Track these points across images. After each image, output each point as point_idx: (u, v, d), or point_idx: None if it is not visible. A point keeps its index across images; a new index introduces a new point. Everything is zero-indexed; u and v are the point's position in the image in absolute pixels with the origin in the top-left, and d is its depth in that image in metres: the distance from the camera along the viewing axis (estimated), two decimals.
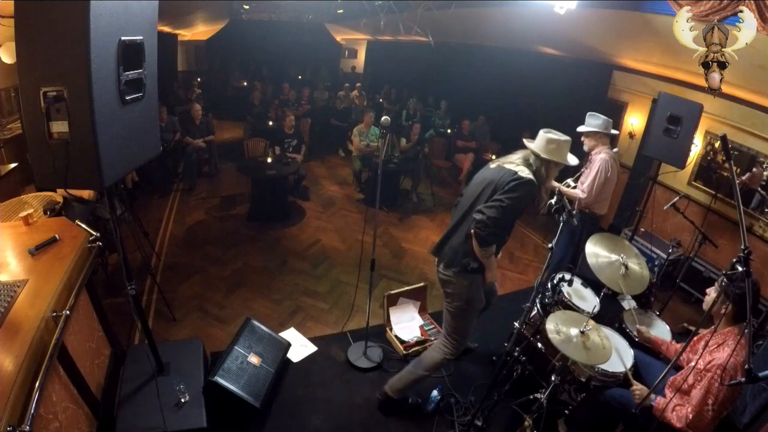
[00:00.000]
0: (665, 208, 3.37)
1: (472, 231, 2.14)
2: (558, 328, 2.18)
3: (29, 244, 1.99)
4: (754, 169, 3.92)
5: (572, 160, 2.30)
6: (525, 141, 2.32)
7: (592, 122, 3.25)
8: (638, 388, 2.11)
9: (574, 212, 3.22)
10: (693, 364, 1.96)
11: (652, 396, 2.02)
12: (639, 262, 2.44)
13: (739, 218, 1.43)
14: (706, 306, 2.05)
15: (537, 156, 2.20)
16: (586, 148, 3.32)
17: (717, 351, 1.89)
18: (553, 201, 3.28)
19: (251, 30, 11.77)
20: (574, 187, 3.33)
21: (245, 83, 10.51)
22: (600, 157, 3.20)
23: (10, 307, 1.60)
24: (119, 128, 1.68)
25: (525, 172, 2.13)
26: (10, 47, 3.77)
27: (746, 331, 1.88)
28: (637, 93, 5.31)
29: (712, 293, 2.05)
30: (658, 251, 4.30)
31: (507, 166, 2.19)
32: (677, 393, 1.99)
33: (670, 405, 1.96)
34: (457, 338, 2.44)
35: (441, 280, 2.44)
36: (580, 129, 3.26)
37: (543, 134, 2.24)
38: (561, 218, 2.22)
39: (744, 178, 3.94)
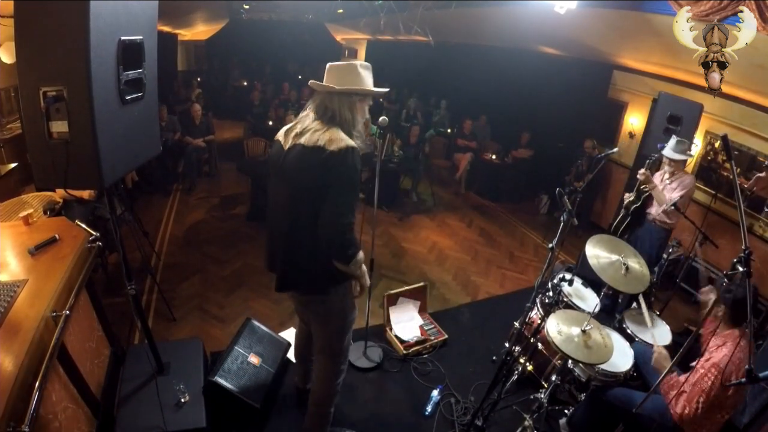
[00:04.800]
0: (666, 208, 3.36)
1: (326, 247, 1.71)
2: (559, 327, 2.18)
3: (29, 244, 1.98)
4: (761, 174, 3.84)
5: (382, 89, 1.92)
6: (313, 83, 1.79)
7: (680, 148, 3.30)
8: (661, 353, 2.22)
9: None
10: (694, 363, 2.00)
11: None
12: (638, 261, 2.45)
13: (740, 219, 1.43)
14: (703, 308, 2.15)
15: (335, 94, 1.72)
16: (669, 168, 3.40)
17: (716, 351, 1.93)
18: (631, 197, 3.47)
19: (251, 30, 11.77)
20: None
21: (245, 83, 10.51)
22: (691, 178, 3.36)
23: (9, 307, 1.60)
24: (119, 128, 1.68)
25: (334, 139, 1.64)
26: (10, 47, 3.76)
27: (747, 331, 1.91)
28: (637, 93, 5.31)
29: (710, 294, 2.14)
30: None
31: (305, 141, 1.68)
32: (685, 383, 2.02)
33: (678, 388, 2.02)
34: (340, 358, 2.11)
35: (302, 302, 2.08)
36: (671, 156, 3.31)
37: (330, 64, 1.79)
38: (561, 217, 2.22)
39: (750, 184, 3.89)
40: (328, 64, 1.78)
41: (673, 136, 3.40)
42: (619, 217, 3.67)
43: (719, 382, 1.82)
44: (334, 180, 1.63)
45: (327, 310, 1.96)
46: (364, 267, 1.87)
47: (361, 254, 1.79)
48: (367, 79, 1.79)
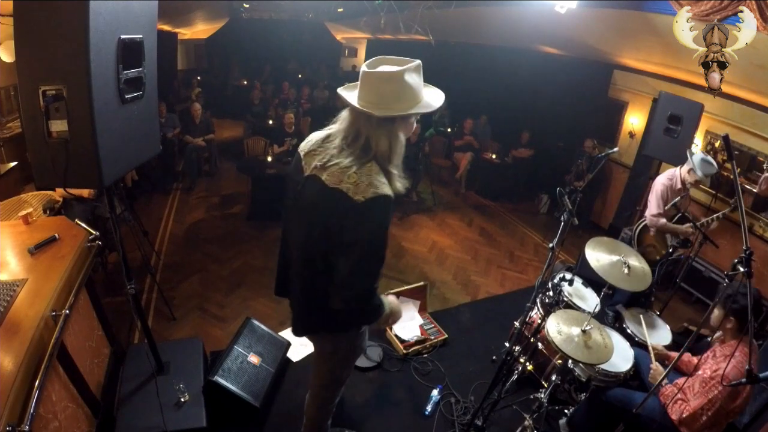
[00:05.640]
0: (665, 208, 3.36)
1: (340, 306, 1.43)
2: (559, 327, 2.18)
3: (29, 243, 1.98)
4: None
5: (436, 97, 1.41)
6: (344, 93, 1.39)
7: (710, 170, 3.14)
8: (657, 369, 2.24)
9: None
10: (700, 372, 2.01)
11: (664, 381, 2.09)
12: (638, 259, 2.44)
13: (741, 219, 1.42)
14: (713, 323, 2.08)
15: (374, 118, 1.31)
16: (690, 187, 3.28)
17: (723, 362, 1.92)
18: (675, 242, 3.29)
19: (251, 29, 11.75)
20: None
21: (245, 82, 10.50)
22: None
23: (9, 307, 1.60)
24: (119, 127, 1.68)
25: (360, 185, 1.30)
26: (10, 46, 3.76)
27: (748, 332, 1.91)
28: (637, 92, 5.31)
29: (716, 311, 2.07)
30: None
31: (327, 178, 1.36)
32: (683, 389, 2.04)
33: (674, 395, 2.05)
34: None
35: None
36: (705, 181, 3.22)
37: (367, 71, 1.31)
38: (561, 217, 2.22)
39: (760, 187, 3.87)
40: (364, 70, 1.31)
41: (702, 156, 3.13)
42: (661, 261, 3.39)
43: (726, 393, 1.83)
44: (353, 237, 1.32)
45: (335, 348, 1.71)
46: (394, 306, 1.63)
47: (387, 309, 1.55)
48: (416, 91, 1.35)
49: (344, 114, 1.41)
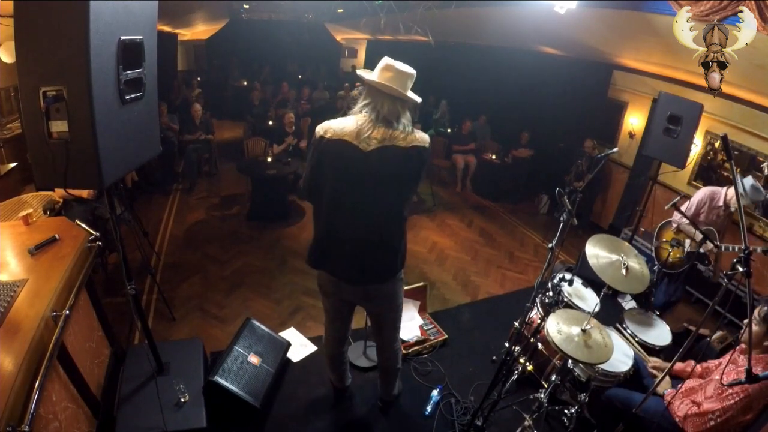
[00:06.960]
0: (666, 208, 3.35)
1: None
2: (559, 327, 2.18)
3: (29, 244, 1.98)
4: None
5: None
6: (367, 76, 1.87)
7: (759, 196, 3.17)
8: (656, 366, 2.24)
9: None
10: (717, 377, 1.97)
11: (668, 388, 2.14)
12: (639, 261, 2.44)
13: (740, 219, 1.43)
14: (755, 340, 1.90)
15: (407, 101, 1.87)
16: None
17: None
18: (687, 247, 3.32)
19: (251, 29, 11.75)
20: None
21: (245, 83, 10.51)
22: None
23: (9, 307, 1.60)
24: (119, 128, 1.68)
25: (420, 137, 1.87)
26: (10, 47, 3.76)
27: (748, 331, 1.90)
28: (637, 93, 5.31)
29: (755, 328, 1.89)
30: None
31: (402, 143, 1.83)
32: (690, 391, 2.03)
33: (679, 397, 2.06)
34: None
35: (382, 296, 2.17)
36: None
37: (393, 63, 1.87)
38: (561, 217, 2.22)
39: None
40: (397, 68, 1.83)
41: (753, 182, 3.13)
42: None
43: (741, 406, 1.79)
44: (424, 164, 1.94)
45: (399, 285, 2.19)
46: None
47: None
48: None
49: (379, 102, 1.82)
